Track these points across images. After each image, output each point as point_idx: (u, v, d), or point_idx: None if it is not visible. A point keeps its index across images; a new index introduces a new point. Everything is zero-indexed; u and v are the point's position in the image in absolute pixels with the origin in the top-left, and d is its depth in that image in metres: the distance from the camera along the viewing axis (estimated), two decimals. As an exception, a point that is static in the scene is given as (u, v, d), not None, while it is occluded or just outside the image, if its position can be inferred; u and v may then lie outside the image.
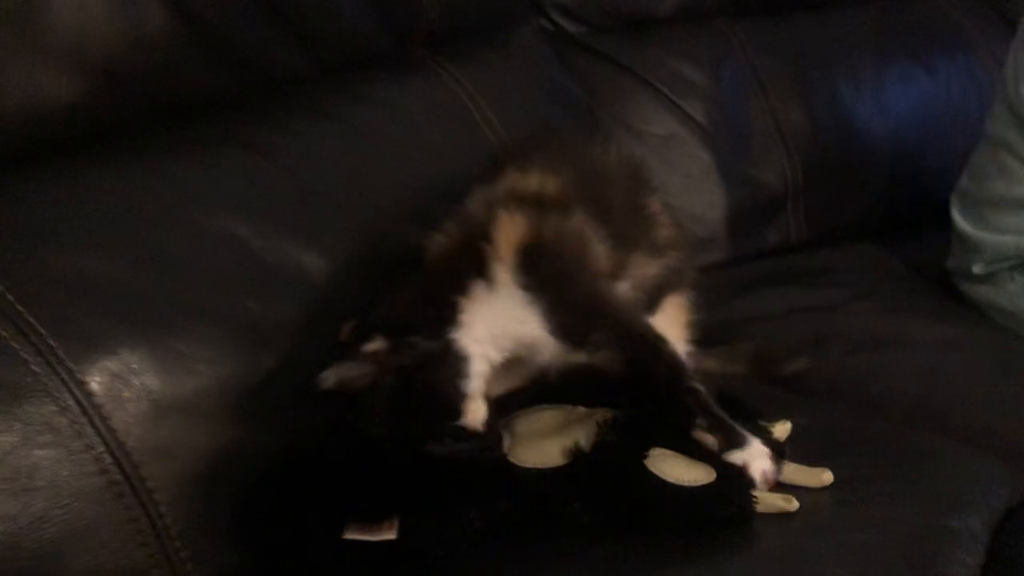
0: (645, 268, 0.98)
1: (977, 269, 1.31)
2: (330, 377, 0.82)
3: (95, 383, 0.81)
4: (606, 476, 0.83)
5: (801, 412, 0.97)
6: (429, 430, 0.83)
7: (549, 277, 0.87)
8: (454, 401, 0.84)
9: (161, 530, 0.81)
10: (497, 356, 0.87)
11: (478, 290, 0.87)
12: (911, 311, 1.30)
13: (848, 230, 1.53)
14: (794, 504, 0.83)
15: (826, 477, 0.87)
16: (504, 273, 0.87)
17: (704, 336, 1.28)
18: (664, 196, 1.35)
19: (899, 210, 1.56)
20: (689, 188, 1.43)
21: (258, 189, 0.95)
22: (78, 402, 0.80)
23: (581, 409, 0.93)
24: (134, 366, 0.83)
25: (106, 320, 0.84)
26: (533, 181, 0.94)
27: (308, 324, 0.92)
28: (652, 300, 1.00)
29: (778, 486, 0.85)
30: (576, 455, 0.85)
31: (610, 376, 0.95)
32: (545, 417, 0.92)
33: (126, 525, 0.80)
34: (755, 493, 0.83)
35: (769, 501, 0.84)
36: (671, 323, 1.02)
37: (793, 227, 1.50)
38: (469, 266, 0.87)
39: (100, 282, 0.85)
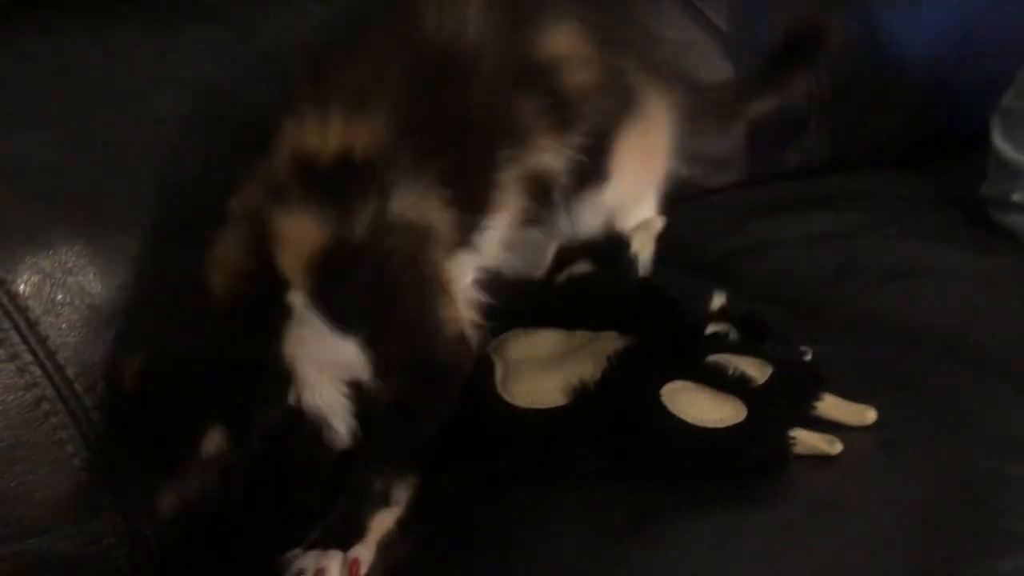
0: (545, 155, 0.79)
1: (1017, 197, 1.22)
2: (167, 503, 0.64)
3: (22, 284, 0.72)
4: (616, 417, 0.72)
5: (827, 343, 0.87)
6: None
7: (357, 303, 0.67)
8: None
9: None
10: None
11: (289, 325, 0.66)
12: (943, 240, 1.21)
13: (875, 152, 1.43)
14: (837, 447, 0.74)
15: (869, 415, 0.77)
16: (299, 298, 0.67)
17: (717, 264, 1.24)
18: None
19: (931, 132, 1.46)
20: (707, 101, 1.33)
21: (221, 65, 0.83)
22: (1, 306, 0.71)
23: (581, 334, 0.82)
24: (69, 264, 0.73)
25: (37, 210, 0.74)
26: (334, 134, 0.68)
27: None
28: (592, 163, 0.84)
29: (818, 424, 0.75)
30: (579, 393, 0.74)
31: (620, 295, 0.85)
32: (542, 341, 0.81)
33: (57, 448, 0.69)
34: (793, 433, 0.73)
35: (808, 442, 0.74)
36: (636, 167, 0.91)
37: (815, 147, 1.41)
38: (269, 295, 0.66)
39: (32, 165, 0.75)
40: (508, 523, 0.67)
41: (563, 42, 0.80)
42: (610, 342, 0.79)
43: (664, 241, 0.93)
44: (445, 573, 0.65)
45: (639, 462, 0.71)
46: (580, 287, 0.88)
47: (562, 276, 0.90)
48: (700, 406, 0.72)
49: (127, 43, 0.81)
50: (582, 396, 0.73)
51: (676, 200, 1.36)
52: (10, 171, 0.73)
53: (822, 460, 0.72)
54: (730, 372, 0.74)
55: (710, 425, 0.71)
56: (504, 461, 0.69)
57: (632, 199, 0.88)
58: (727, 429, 0.71)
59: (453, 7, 0.75)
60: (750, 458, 0.71)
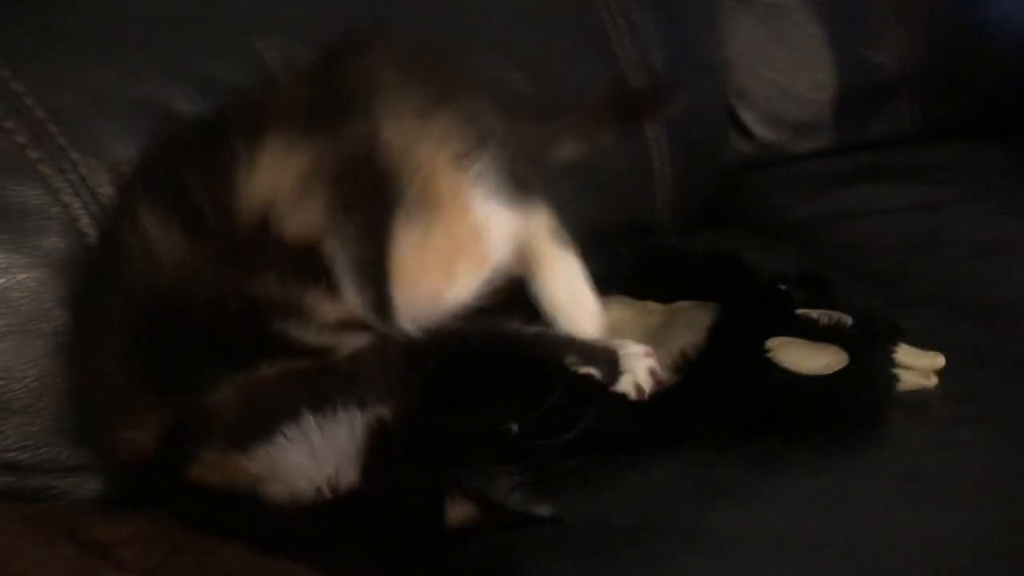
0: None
1: (1113, 175, 1.20)
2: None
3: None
4: (729, 383, 0.72)
5: (906, 315, 0.86)
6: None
7: None
8: None
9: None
10: None
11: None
12: None
13: (966, 123, 1.39)
14: (933, 380, 0.76)
15: (939, 360, 0.77)
16: None
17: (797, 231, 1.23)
18: (766, 71, 1.29)
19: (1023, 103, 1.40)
20: (794, 65, 1.31)
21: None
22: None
23: (652, 305, 0.83)
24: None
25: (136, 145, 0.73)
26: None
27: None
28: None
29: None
30: (685, 367, 0.74)
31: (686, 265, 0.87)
32: (615, 318, 0.82)
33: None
34: (896, 372, 0.74)
35: (910, 380, 0.75)
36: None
37: (905, 116, 1.37)
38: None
39: (139, 105, 0.74)
40: (608, 483, 0.69)
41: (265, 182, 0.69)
42: (692, 312, 0.81)
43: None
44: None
45: (749, 421, 0.71)
46: (650, 259, 0.89)
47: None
48: (804, 357, 0.73)
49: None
50: (688, 369, 0.74)
51: (759, 165, 1.39)
52: (114, 107, 0.72)
53: (918, 427, 0.73)
54: (823, 321, 0.76)
55: (819, 372, 0.72)
56: (615, 428, 0.70)
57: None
58: (836, 374, 0.72)
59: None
60: (863, 398, 0.72)
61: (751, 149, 1.31)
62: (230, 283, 0.65)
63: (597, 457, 0.66)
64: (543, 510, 0.60)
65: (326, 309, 0.67)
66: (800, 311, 0.77)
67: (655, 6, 1.12)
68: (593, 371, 0.73)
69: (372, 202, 0.69)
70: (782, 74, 1.30)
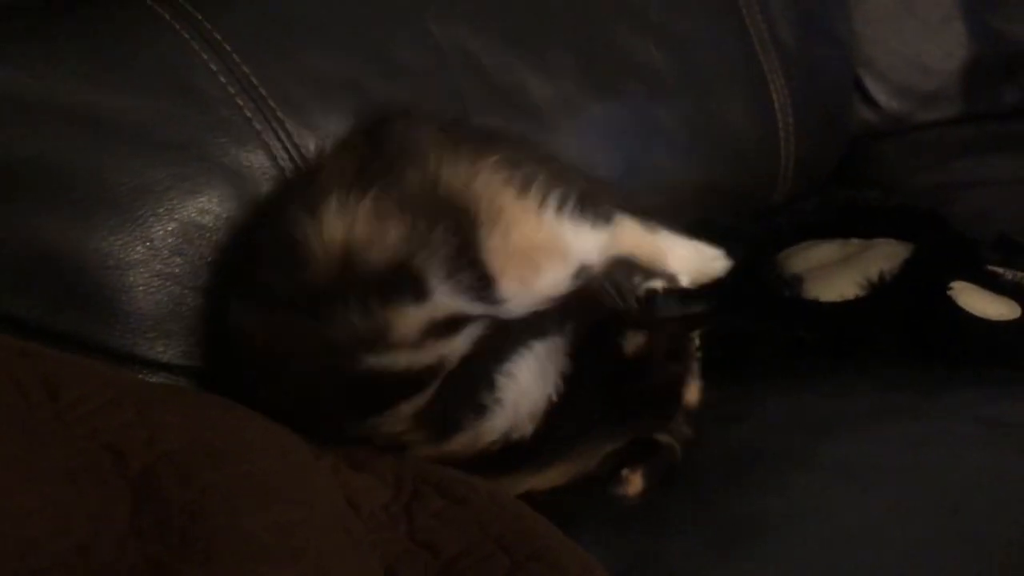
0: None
1: None
2: None
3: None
4: (910, 306, 0.84)
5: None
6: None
7: None
8: None
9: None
10: None
11: None
12: None
13: (1099, 94, 1.38)
14: None
15: None
16: None
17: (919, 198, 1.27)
18: (894, 41, 1.33)
19: None
20: (924, 35, 1.33)
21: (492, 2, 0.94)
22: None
23: (856, 241, 0.95)
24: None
25: (343, 120, 0.86)
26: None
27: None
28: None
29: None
30: (877, 286, 0.86)
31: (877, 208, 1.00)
32: (820, 253, 0.95)
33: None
34: None
35: None
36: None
37: (1035, 85, 1.38)
38: None
39: (337, 83, 0.87)
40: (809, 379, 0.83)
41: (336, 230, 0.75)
42: (890, 247, 0.92)
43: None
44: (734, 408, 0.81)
45: (929, 344, 0.83)
46: (852, 204, 1.02)
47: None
48: (982, 303, 0.83)
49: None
50: (880, 288, 0.86)
51: (883, 133, 1.42)
52: (324, 88, 0.85)
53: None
54: (1008, 277, 0.87)
55: (992, 318, 0.82)
56: (808, 333, 0.85)
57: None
58: (1007, 323, 0.82)
59: None
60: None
61: (876, 118, 1.34)
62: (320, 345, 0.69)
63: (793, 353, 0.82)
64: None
65: (409, 318, 0.71)
66: (989, 266, 0.88)
67: (784, -22, 1.17)
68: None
69: (448, 221, 0.76)
70: (910, 44, 1.32)
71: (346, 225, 0.74)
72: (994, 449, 0.74)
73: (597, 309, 0.77)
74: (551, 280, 0.79)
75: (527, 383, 0.73)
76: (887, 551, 0.66)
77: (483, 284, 0.76)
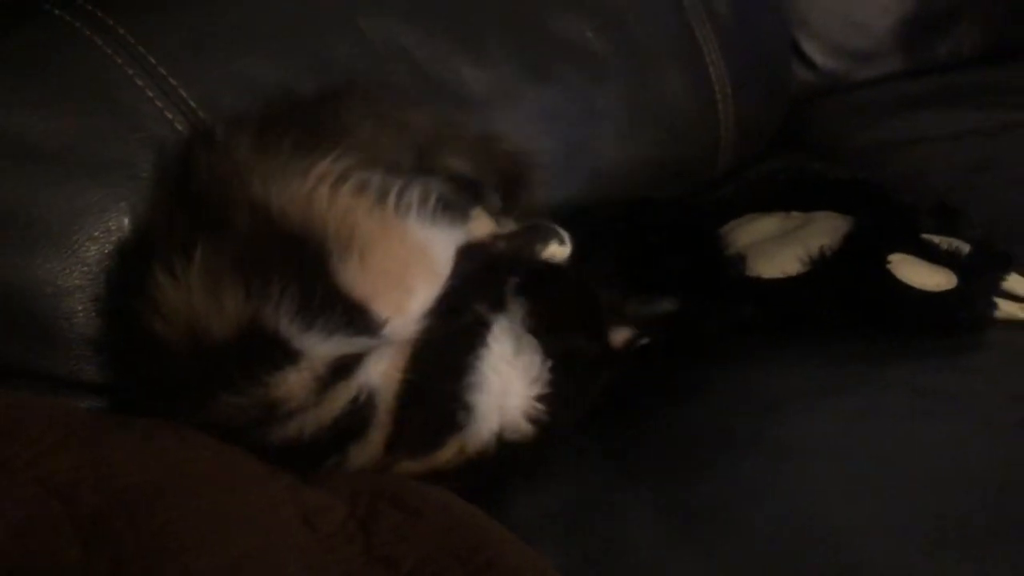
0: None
1: None
2: None
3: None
4: (850, 281, 0.86)
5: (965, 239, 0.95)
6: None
7: None
8: None
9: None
10: None
11: None
12: None
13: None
14: None
15: None
16: None
17: (859, 158, 1.28)
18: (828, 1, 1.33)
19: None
20: (859, -8, 1.34)
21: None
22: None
23: (797, 214, 0.97)
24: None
25: None
26: None
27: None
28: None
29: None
30: (818, 261, 0.88)
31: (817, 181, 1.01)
32: (762, 226, 0.97)
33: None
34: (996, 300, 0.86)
35: (1007, 309, 0.86)
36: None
37: (969, 38, 1.39)
38: None
39: (264, 86, 0.84)
40: (755, 355, 0.85)
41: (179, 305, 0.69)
42: (831, 220, 0.94)
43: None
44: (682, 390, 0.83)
45: (868, 317, 0.85)
46: (794, 177, 1.05)
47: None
48: (920, 274, 0.85)
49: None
50: (820, 263, 0.87)
51: (822, 93, 1.43)
52: (256, 93, 0.82)
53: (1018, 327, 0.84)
54: (943, 247, 0.88)
55: (929, 289, 0.84)
56: (752, 311, 0.87)
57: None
58: (943, 293, 0.84)
59: None
60: (961, 318, 0.84)
61: (814, 79, 1.36)
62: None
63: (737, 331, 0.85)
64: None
65: (292, 383, 0.67)
66: (925, 235, 0.90)
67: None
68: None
69: (289, 261, 0.68)
70: (844, 2, 1.33)
71: (182, 300, 0.68)
72: (930, 419, 0.76)
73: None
74: (424, 298, 0.72)
75: (500, 386, 0.71)
76: (835, 528, 0.68)
77: (353, 317, 0.69)
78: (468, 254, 0.74)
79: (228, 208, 0.70)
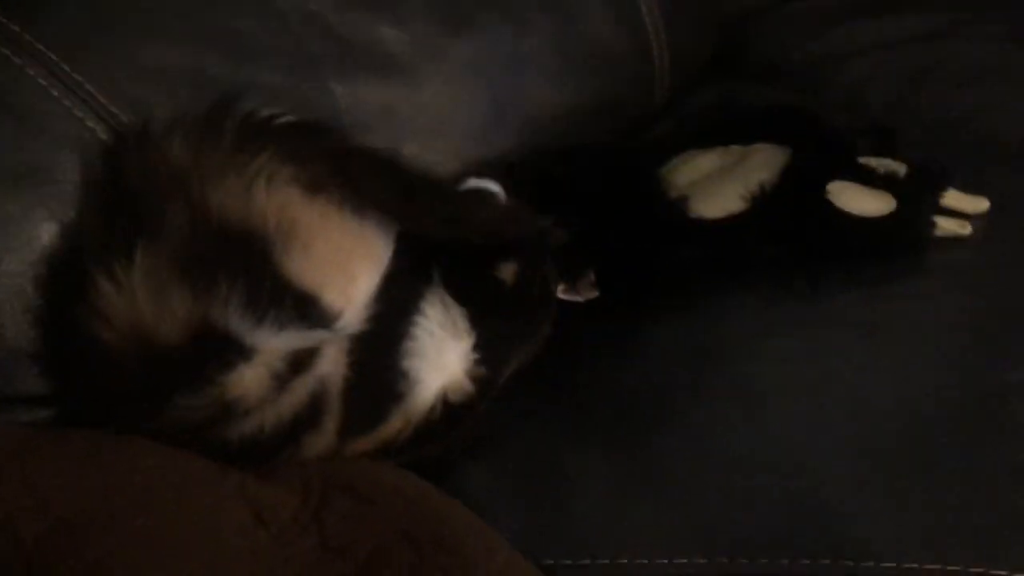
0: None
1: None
2: None
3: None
4: (790, 215, 0.87)
5: (910, 152, 0.95)
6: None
7: None
8: None
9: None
10: None
11: None
12: (1018, 39, 1.19)
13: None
14: (967, 229, 0.88)
15: (983, 204, 0.90)
16: None
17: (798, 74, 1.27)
18: None
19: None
20: None
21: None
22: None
23: (736, 148, 0.97)
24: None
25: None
26: None
27: (392, 106, 0.91)
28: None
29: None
30: (759, 197, 0.88)
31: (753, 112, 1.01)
32: (701, 164, 0.96)
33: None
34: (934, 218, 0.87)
35: (945, 227, 0.88)
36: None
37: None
38: None
39: (173, 71, 0.82)
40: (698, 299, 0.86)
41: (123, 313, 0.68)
42: (769, 153, 0.94)
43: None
44: (625, 341, 0.84)
45: (810, 249, 0.86)
46: (727, 109, 1.05)
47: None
48: (859, 200, 0.86)
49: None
50: (761, 199, 0.88)
51: (757, 10, 1.40)
52: (158, 75, 0.79)
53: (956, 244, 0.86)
54: (880, 171, 0.89)
55: (869, 215, 0.85)
56: (697, 253, 0.87)
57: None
58: (883, 218, 0.85)
59: None
60: (902, 239, 0.86)
61: (746, -6, 1.33)
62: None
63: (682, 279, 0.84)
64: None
65: (247, 380, 0.67)
66: (861, 160, 0.90)
67: None
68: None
69: (234, 257, 0.68)
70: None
71: (126, 305, 0.66)
72: (871, 354, 0.78)
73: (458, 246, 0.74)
74: (368, 285, 0.72)
75: (435, 348, 0.72)
76: (786, 472, 0.70)
77: (306, 309, 0.69)
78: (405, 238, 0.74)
79: (165, 208, 0.69)
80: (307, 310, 0.69)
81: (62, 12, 0.79)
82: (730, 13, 1.31)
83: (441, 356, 0.73)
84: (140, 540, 0.55)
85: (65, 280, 0.71)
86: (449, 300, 0.75)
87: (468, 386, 0.74)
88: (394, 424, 0.72)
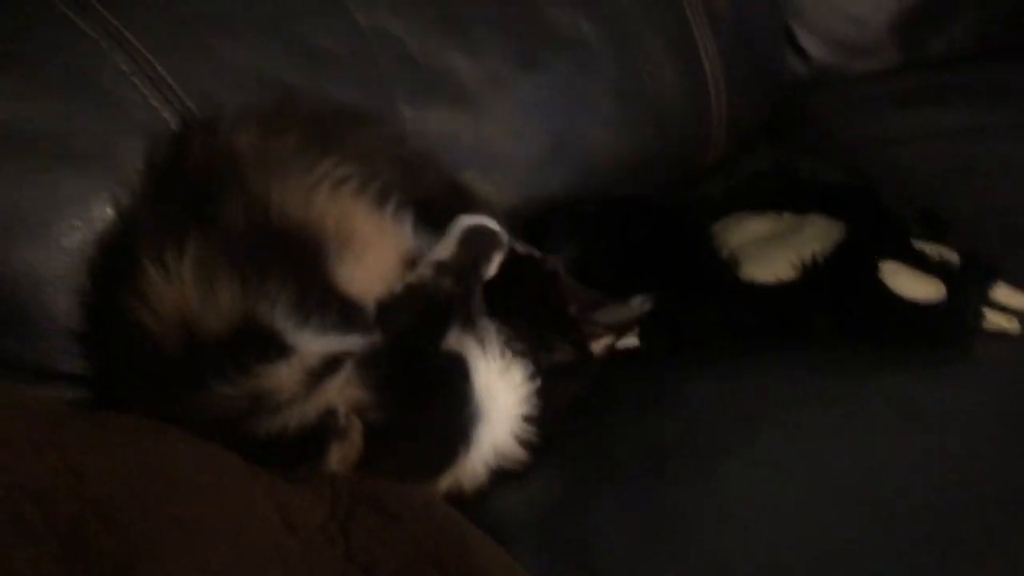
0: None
1: None
2: None
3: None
4: (841, 289, 0.86)
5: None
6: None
7: None
8: None
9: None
10: None
11: None
12: None
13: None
14: (1015, 325, 0.86)
15: None
16: None
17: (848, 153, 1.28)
18: None
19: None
20: (853, -15, 1.33)
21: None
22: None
23: (789, 216, 0.97)
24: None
25: None
26: None
27: (456, 133, 0.92)
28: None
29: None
30: (810, 268, 0.87)
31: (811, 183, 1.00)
32: (753, 226, 0.96)
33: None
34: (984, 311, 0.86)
35: (994, 320, 0.87)
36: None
37: (961, 36, 1.38)
38: None
39: (251, 75, 0.84)
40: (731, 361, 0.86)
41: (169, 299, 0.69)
42: (823, 224, 0.93)
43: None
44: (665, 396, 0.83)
45: (858, 327, 0.85)
46: (782, 176, 1.04)
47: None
48: (910, 284, 0.85)
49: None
50: (813, 270, 0.87)
51: (815, 86, 1.42)
52: (237, 81, 0.81)
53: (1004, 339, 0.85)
54: (934, 257, 0.89)
55: (919, 300, 0.85)
56: (748, 319, 0.86)
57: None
58: (931, 306, 0.84)
59: None
60: (950, 329, 0.85)
61: (808, 71, 1.35)
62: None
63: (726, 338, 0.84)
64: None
65: (283, 376, 0.66)
66: (916, 243, 0.90)
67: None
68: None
69: (287, 258, 0.68)
70: (842, -4, 1.32)
71: (175, 295, 0.67)
72: (910, 434, 0.77)
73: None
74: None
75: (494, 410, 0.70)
76: (812, 543, 0.69)
77: (350, 315, 0.68)
78: (411, 296, 0.71)
79: (224, 201, 0.69)
80: (350, 316, 0.68)
81: (155, 8, 0.81)
82: (788, 86, 1.33)
83: (497, 421, 0.71)
84: (171, 529, 0.54)
85: (114, 264, 0.72)
86: (507, 357, 0.72)
87: (519, 453, 0.72)
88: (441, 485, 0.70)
